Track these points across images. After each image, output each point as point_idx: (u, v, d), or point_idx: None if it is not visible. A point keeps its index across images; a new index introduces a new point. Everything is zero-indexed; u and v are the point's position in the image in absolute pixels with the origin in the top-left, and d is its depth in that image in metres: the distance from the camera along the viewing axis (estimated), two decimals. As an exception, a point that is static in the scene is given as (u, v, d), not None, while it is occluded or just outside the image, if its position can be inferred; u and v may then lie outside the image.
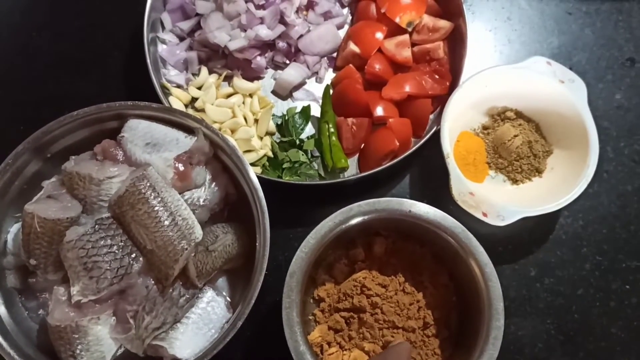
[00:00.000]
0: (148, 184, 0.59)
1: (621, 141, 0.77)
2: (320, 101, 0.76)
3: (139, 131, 0.64)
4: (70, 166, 0.62)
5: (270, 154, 0.72)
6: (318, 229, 0.61)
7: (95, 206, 0.61)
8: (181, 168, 0.62)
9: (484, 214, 0.66)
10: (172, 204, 0.60)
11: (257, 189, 0.62)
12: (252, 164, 0.72)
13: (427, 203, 0.73)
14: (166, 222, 0.58)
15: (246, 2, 0.73)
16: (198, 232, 0.60)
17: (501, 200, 0.68)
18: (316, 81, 0.78)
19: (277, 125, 0.75)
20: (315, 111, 0.76)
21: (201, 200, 0.64)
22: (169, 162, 0.62)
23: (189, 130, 0.64)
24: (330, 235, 0.61)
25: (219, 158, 0.66)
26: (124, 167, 0.62)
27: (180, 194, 0.62)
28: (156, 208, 0.59)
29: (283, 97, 0.77)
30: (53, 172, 0.66)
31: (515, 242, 0.72)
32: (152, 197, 0.59)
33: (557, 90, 0.71)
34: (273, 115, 0.75)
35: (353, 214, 0.62)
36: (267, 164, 0.72)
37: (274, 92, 0.77)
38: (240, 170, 0.63)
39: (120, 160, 0.63)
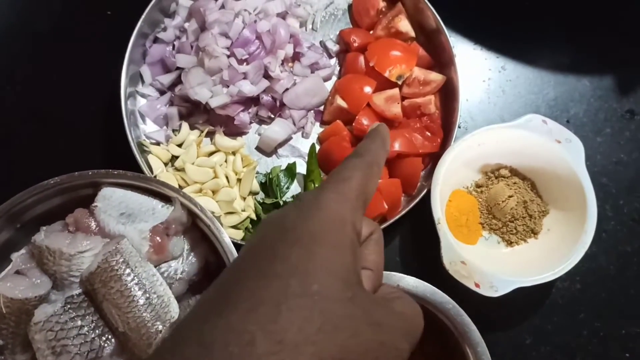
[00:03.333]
0: (121, 260, 0.56)
1: (620, 199, 0.74)
2: (306, 158, 0.73)
3: (113, 200, 0.61)
4: (40, 239, 0.59)
5: (253, 216, 0.69)
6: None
7: (66, 282, 0.58)
8: (157, 240, 0.59)
9: (477, 285, 0.63)
10: (147, 280, 0.57)
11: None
12: (234, 227, 0.68)
13: (419, 265, 0.71)
14: (140, 302, 0.55)
15: (228, 57, 0.70)
16: (174, 311, 0.57)
17: (495, 265, 0.66)
18: (302, 136, 0.75)
19: (261, 184, 0.72)
20: (301, 168, 0.73)
21: (179, 272, 0.61)
22: (145, 234, 0.59)
23: (166, 198, 0.61)
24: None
25: (197, 226, 0.63)
26: (96, 240, 0.59)
27: (156, 266, 0.59)
28: (129, 286, 0.56)
29: (268, 154, 0.74)
30: (24, 241, 0.63)
31: (510, 307, 0.69)
32: (125, 273, 0.56)
33: (553, 149, 0.68)
34: (257, 173, 0.72)
35: (338, 289, 0.59)
36: (250, 226, 0.69)
37: (257, 148, 0.74)
38: (218, 240, 0.60)
39: (93, 231, 0.60)
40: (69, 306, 0.56)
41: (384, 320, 0.29)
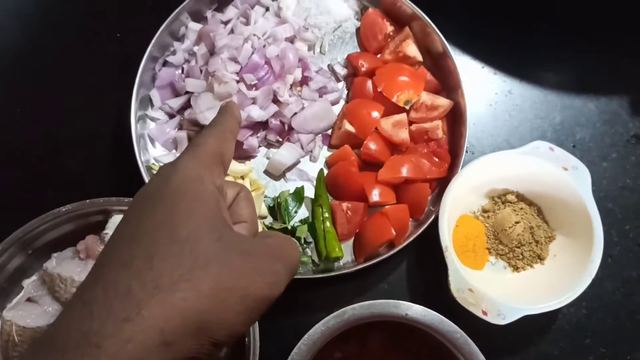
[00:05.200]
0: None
1: (626, 224, 0.74)
2: (314, 182, 0.73)
3: (124, 228, 0.61)
4: (52, 266, 0.60)
5: (262, 240, 0.70)
6: (310, 334, 0.59)
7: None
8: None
9: (484, 313, 0.63)
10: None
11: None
12: (243, 252, 0.69)
13: (426, 290, 0.71)
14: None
15: (237, 82, 0.70)
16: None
17: (501, 291, 0.66)
18: (310, 160, 0.75)
19: (269, 208, 0.72)
20: (309, 192, 0.73)
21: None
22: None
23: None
24: (322, 339, 0.59)
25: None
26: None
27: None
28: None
29: (276, 178, 0.74)
30: (35, 266, 0.63)
31: (516, 333, 0.69)
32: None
33: (560, 176, 0.68)
34: (265, 196, 0.72)
35: (347, 318, 0.59)
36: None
37: (266, 172, 0.74)
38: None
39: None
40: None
41: (253, 249, 0.31)
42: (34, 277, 0.62)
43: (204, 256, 0.28)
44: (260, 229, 0.70)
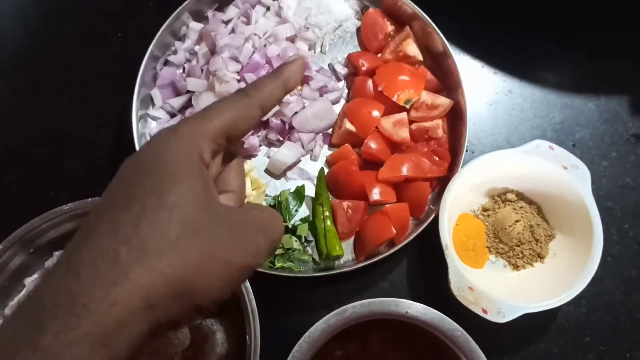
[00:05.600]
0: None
1: (626, 222, 0.74)
2: (315, 181, 0.74)
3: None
4: (53, 265, 0.60)
5: (262, 239, 0.70)
6: (311, 332, 0.59)
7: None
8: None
9: (484, 311, 0.63)
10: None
11: (247, 288, 0.59)
12: (244, 250, 0.69)
13: (426, 289, 0.72)
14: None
15: (238, 81, 0.71)
16: (186, 337, 0.58)
17: (501, 289, 0.66)
18: (311, 159, 0.75)
19: (270, 206, 0.72)
20: (310, 191, 0.74)
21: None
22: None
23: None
24: (323, 337, 0.59)
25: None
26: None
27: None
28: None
29: (277, 177, 0.75)
30: (36, 264, 0.63)
31: (516, 331, 0.69)
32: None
33: (560, 175, 0.69)
34: (266, 195, 0.73)
35: (347, 316, 0.60)
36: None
37: (267, 171, 0.75)
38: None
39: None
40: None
41: (239, 220, 0.32)
42: (35, 276, 0.62)
43: (191, 225, 0.29)
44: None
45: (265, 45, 0.73)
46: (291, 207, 0.72)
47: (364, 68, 0.76)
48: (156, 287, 0.27)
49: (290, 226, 0.70)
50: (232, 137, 0.34)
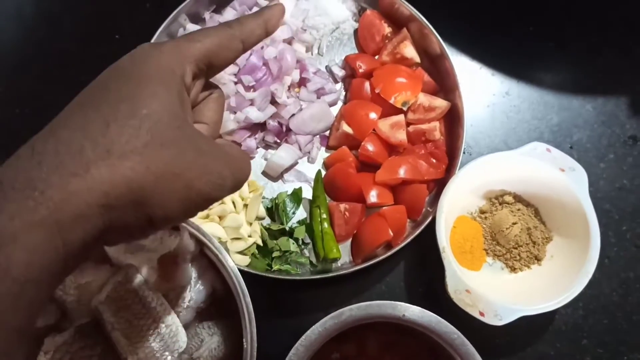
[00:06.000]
0: (130, 289, 0.57)
1: (623, 225, 0.74)
2: (312, 183, 0.73)
3: (122, 229, 0.61)
4: (49, 268, 0.60)
5: (259, 241, 0.70)
6: (308, 334, 0.59)
7: (75, 311, 0.58)
8: (166, 269, 0.60)
9: (481, 314, 0.63)
10: (155, 309, 0.57)
11: (244, 291, 0.59)
12: (241, 253, 0.69)
13: (423, 291, 0.72)
14: (149, 332, 0.56)
15: (235, 84, 0.71)
16: (182, 340, 0.58)
17: (499, 292, 0.66)
18: (308, 161, 0.75)
19: (267, 209, 0.72)
20: (307, 193, 0.74)
21: (186, 300, 0.61)
22: (153, 262, 0.60)
23: (174, 227, 0.62)
24: (320, 340, 0.59)
25: (204, 254, 0.63)
26: (105, 269, 0.60)
27: (164, 295, 0.60)
28: (138, 316, 0.56)
29: (274, 179, 0.74)
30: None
31: (514, 334, 0.70)
32: (134, 302, 0.57)
33: (557, 178, 0.68)
34: (263, 197, 0.73)
35: (344, 319, 0.59)
36: (256, 252, 0.70)
37: (264, 173, 0.75)
38: (225, 268, 0.61)
39: (102, 261, 0.61)
40: (78, 335, 0.56)
41: (209, 150, 0.32)
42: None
43: (160, 138, 0.29)
44: (257, 230, 0.71)
45: (262, 47, 0.73)
46: (288, 209, 0.72)
47: (361, 70, 0.76)
48: (116, 188, 0.27)
49: (287, 229, 0.70)
50: (214, 65, 0.35)
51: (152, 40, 0.72)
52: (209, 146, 0.32)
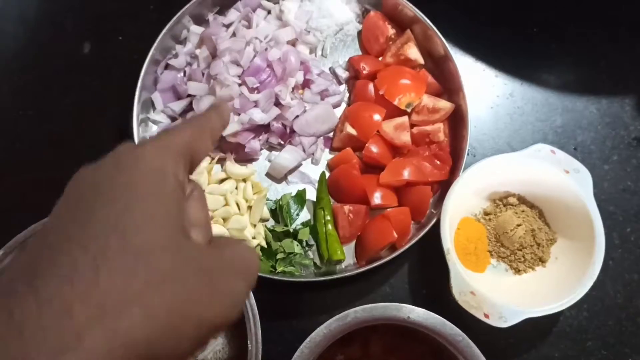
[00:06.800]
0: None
1: (628, 226, 0.74)
2: (316, 185, 0.73)
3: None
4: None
5: (263, 243, 0.70)
6: (312, 337, 0.59)
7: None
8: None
9: (486, 315, 0.63)
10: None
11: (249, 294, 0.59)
12: (245, 255, 0.69)
13: (427, 293, 0.72)
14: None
15: (239, 85, 0.71)
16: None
17: (503, 294, 0.66)
18: (312, 163, 0.75)
19: (271, 211, 0.72)
20: (311, 194, 0.74)
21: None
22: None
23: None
24: (324, 342, 0.59)
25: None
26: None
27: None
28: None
29: (278, 181, 0.74)
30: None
31: (518, 336, 0.69)
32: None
33: (561, 179, 0.68)
34: (267, 199, 0.73)
35: (349, 321, 0.59)
36: (260, 254, 0.70)
37: (268, 175, 0.75)
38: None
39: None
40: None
41: (213, 266, 0.27)
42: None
43: (159, 272, 0.24)
44: (261, 232, 0.70)
45: (266, 49, 0.73)
46: (292, 211, 0.72)
47: (365, 72, 0.76)
48: (115, 354, 0.22)
49: (291, 230, 0.70)
50: (194, 158, 0.31)
51: (156, 42, 0.73)
52: (212, 262, 0.28)
